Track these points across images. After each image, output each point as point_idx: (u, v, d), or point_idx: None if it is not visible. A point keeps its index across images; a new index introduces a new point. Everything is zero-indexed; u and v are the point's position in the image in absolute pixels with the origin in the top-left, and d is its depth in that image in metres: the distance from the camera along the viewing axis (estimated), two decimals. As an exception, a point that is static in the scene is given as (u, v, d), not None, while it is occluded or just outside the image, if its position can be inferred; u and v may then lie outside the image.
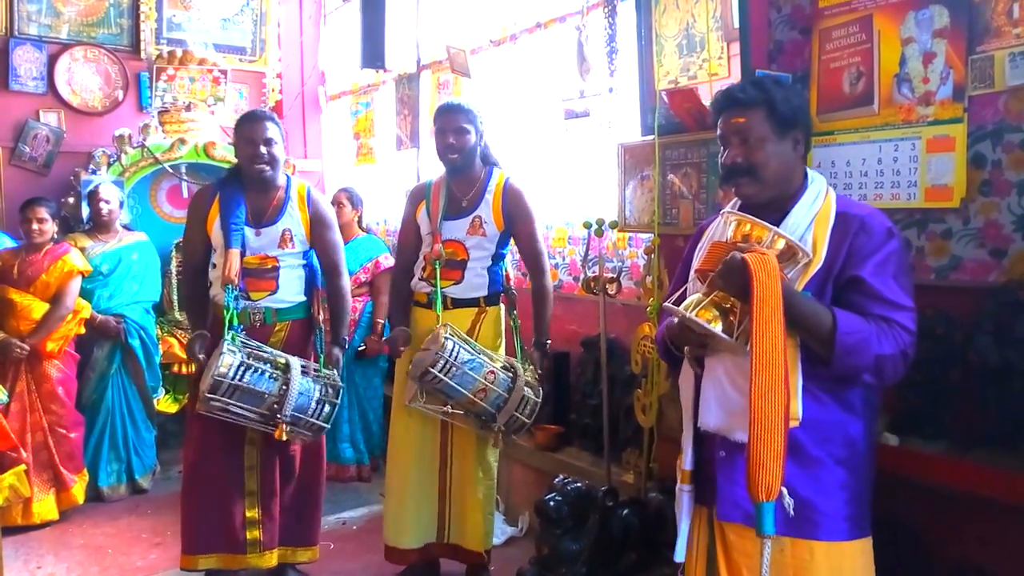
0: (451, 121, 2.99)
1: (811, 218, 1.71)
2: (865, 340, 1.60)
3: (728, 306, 1.64)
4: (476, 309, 3.06)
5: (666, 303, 1.74)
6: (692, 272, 1.82)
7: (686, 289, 1.82)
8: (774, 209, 1.75)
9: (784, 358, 1.52)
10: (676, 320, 1.75)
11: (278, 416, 2.76)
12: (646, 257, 2.98)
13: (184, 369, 4.60)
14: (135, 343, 4.26)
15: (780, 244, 1.62)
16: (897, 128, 2.28)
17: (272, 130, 2.93)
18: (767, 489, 1.51)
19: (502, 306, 3.17)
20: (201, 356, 2.90)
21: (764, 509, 1.52)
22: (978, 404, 2.00)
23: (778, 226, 1.69)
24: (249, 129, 2.93)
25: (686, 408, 1.86)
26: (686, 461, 1.86)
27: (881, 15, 2.33)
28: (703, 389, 1.78)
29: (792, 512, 1.60)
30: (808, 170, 1.81)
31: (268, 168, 2.93)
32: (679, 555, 1.87)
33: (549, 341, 3.14)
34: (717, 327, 1.62)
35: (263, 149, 2.90)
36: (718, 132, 1.81)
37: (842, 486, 1.68)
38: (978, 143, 2.13)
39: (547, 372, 3.18)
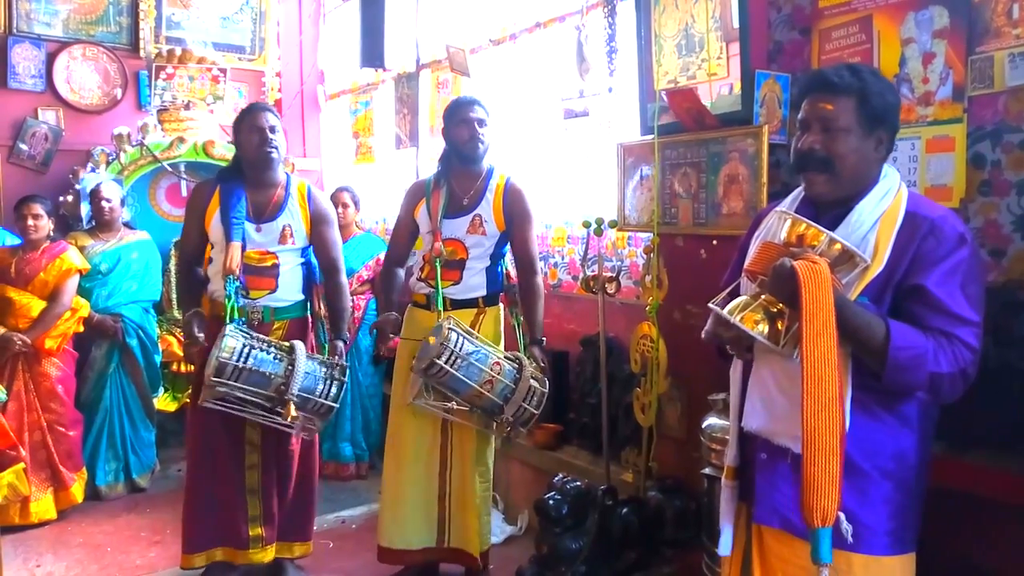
0: (475, 110, 3.02)
1: (877, 217, 1.60)
2: (920, 356, 1.51)
3: (776, 311, 1.57)
4: (475, 310, 3.05)
5: (711, 304, 1.65)
6: (743, 270, 1.72)
7: (735, 286, 1.75)
8: (839, 203, 1.66)
9: (837, 373, 1.44)
10: (717, 320, 1.67)
11: (286, 396, 2.74)
12: (645, 256, 2.98)
13: (183, 368, 4.60)
14: (133, 342, 4.26)
15: (836, 248, 1.52)
16: (897, 128, 2.29)
17: (274, 119, 3.00)
18: (823, 514, 1.42)
19: (501, 306, 3.16)
20: (200, 335, 2.90)
21: (820, 535, 1.44)
22: (977, 404, 1.99)
23: (841, 221, 1.61)
24: (255, 118, 2.97)
25: (733, 405, 1.81)
26: (730, 457, 1.81)
27: (881, 15, 2.34)
28: (749, 389, 1.73)
29: (851, 539, 1.51)
30: (884, 165, 1.69)
31: (275, 152, 2.97)
32: (723, 549, 1.81)
33: (544, 339, 3.13)
34: (762, 332, 1.55)
35: (269, 135, 2.95)
36: (800, 115, 1.68)
37: (886, 500, 1.61)
38: (977, 143, 2.13)
39: (546, 370, 3.17)
